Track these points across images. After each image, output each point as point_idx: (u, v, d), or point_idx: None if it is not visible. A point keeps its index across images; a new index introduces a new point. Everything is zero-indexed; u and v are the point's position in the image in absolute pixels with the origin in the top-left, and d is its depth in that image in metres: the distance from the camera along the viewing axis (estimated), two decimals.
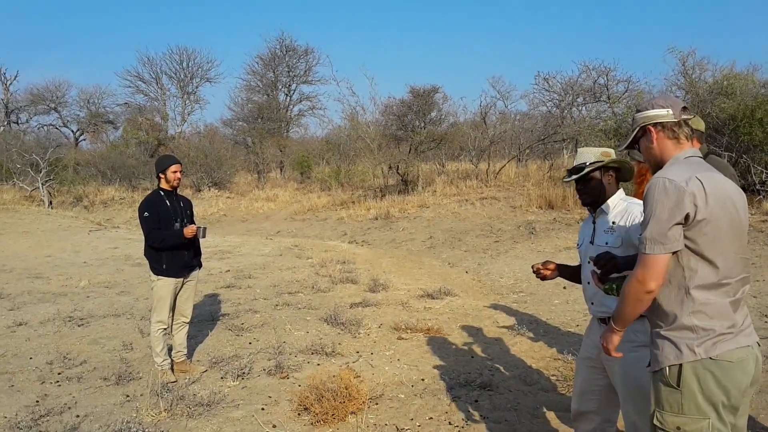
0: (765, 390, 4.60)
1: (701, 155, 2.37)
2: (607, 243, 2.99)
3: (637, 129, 2.44)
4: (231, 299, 8.00)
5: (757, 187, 12.92)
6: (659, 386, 2.23)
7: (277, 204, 22.08)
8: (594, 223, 3.13)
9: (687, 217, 2.12)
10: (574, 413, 3.24)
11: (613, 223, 2.99)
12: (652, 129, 2.37)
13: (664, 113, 2.35)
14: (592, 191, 3.09)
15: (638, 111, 2.45)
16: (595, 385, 3.11)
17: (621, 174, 3.11)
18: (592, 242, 3.10)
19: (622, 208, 3.02)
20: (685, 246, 2.15)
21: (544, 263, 3.34)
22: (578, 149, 3.18)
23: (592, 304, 3.12)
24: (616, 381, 2.98)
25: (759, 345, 2.24)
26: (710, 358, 2.13)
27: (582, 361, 3.21)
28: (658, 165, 2.39)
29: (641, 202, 2.81)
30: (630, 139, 2.49)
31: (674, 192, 2.12)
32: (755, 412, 4.24)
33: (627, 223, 2.94)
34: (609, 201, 3.06)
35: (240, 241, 13.81)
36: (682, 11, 77.06)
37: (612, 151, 3.06)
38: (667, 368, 2.19)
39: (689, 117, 2.37)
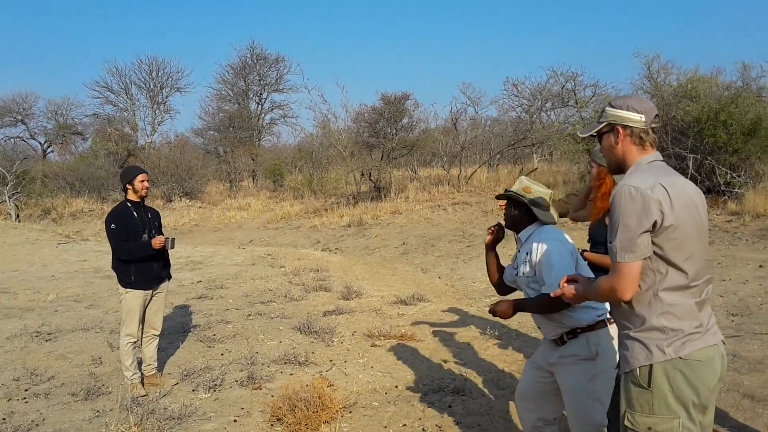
0: (733, 388, 4.69)
1: (662, 159, 2.40)
2: (524, 273, 3.18)
3: (604, 123, 2.40)
4: (203, 310, 7.92)
5: (722, 188, 13.20)
6: (629, 387, 2.25)
7: (249, 213, 21.96)
8: (518, 251, 3.30)
9: (654, 224, 2.13)
10: (519, 415, 3.37)
11: (527, 254, 3.15)
12: (621, 130, 2.34)
13: (636, 118, 2.32)
14: (507, 217, 3.31)
15: (611, 105, 2.39)
16: (539, 383, 3.23)
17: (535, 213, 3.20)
18: (515, 270, 3.28)
19: (531, 242, 3.16)
20: (654, 252, 2.17)
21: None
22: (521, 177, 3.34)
23: (540, 327, 3.24)
24: (563, 393, 3.10)
25: (724, 343, 2.29)
26: (680, 357, 2.16)
27: (530, 363, 3.34)
28: (617, 165, 2.40)
29: (551, 236, 3.09)
30: (594, 130, 2.45)
31: (640, 200, 2.13)
32: (725, 409, 4.32)
33: (530, 255, 3.11)
34: (520, 234, 3.26)
35: (212, 251, 13.69)
36: (646, 16, 78.50)
37: (534, 189, 3.20)
38: (638, 369, 2.21)
39: (657, 125, 2.37)
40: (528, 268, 3.13)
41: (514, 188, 3.24)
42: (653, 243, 2.16)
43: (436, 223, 15.23)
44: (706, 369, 2.19)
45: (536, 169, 21.29)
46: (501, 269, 3.52)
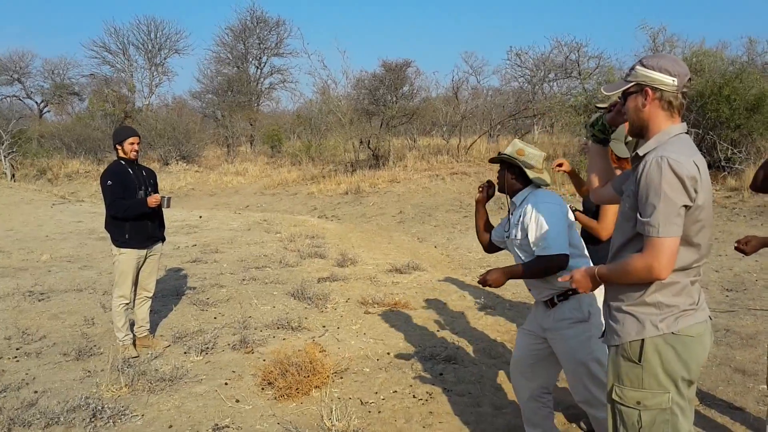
0: (725, 362, 4.69)
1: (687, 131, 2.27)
2: (516, 236, 3.16)
3: (633, 83, 2.22)
4: (197, 274, 7.90)
5: (723, 164, 13.13)
6: (619, 361, 2.22)
7: (246, 178, 21.84)
8: (510, 214, 3.29)
9: (690, 199, 2.05)
10: (513, 383, 3.37)
11: (520, 217, 3.14)
12: (650, 92, 2.17)
13: (669, 81, 2.15)
14: (499, 180, 3.29)
15: (642, 64, 2.20)
16: (533, 350, 3.23)
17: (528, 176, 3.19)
18: (507, 234, 3.27)
19: (525, 205, 3.14)
20: None
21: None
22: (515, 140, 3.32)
23: (531, 290, 3.23)
24: (561, 361, 3.10)
25: (711, 319, 2.25)
26: (672, 333, 2.13)
27: (523, 330, 3.33)
28: (639, 128, 2.25)
29: (546, 198, 3.09)
30: (621, 89, 2.29)
31: (683, 173, 2.02)
32: (713, 385, 4.32)
33: (523, 218, 3.11)
34: (515, 198, 3.24)
35: (208, 215, 13.64)
36: None
37: (527, 152, 3.18)
38: (628, 343, 2.18)
39: (688, 89, 2.22)
40: (520, 232, 3.13)
41: (508, 151, 3.23)
42: None
43: (433, 192, 15.16)
44: (697, 345, 2.16)
45: (528, 133, 21.13)
46: (490, 227, 3.52)
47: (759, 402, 4.00)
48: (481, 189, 3.46)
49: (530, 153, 3.19)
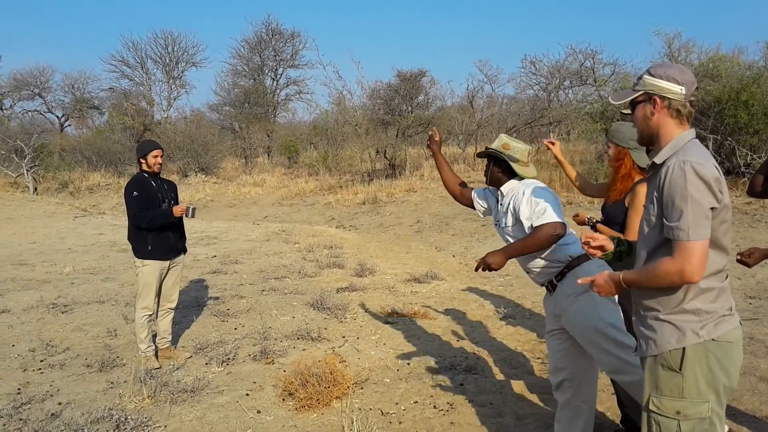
0: (749, 371, 4.63)
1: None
2: (507, 224, 3.28)
3: (641, 92, 2.25)
4: (217, 285, 7.96)
5: (742, 170, 12.99)
6: (657, 370, 2.19)
7: (264, 189, 21.97)
8: (499, 204, 3.40)
9: (717, 201, 2.07)
10: (553, 386, 3.39)
11: (509, 203, 3.26)
12: (658, 101, 2.21)
13: (676, 90, 2.19)
14: (486, 172, 3.43)
15: (650, 74, 2.24)
16: (563, 350, 3.28)
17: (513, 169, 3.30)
18: (497, 223, 3.40)
19: (514, 192, 3.27)
20: None
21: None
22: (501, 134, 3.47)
23: (529, 274, 3.32)
24: (578, 338, 3.14)
25: (741, 324, 2.24)
26: (713, 339, 2.11)
27: (548, 334, 3.39)
28: (649, 137, 2.28)
29: (533, 183, 3.20)
30: (629, 98, 2.31)
31: (708, 176, 2.04)
32: (738, 394, 4.27)
33: (513, 202, 3.22)
34: (502, 188, 3.35)
35: (227, 226, 13.74)
36: None
37: (513, 146, 3.29)
38: (668, 352, 2.15)
39: (695, 98, 2.26)
40: (510, 218, 3.23)
41: (494, 145, 3.34)
42: None
43: (450, 201, 15.12)
44: (735, 350, 2.16)
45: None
46: (457, 177, 3.80)
47: None
48: (429, 142, 3.79)
49: (515, 147, 3.29)
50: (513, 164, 3.24)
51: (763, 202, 11.17)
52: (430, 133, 3.81)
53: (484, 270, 3.12)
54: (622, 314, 3.13)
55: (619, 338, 2.98)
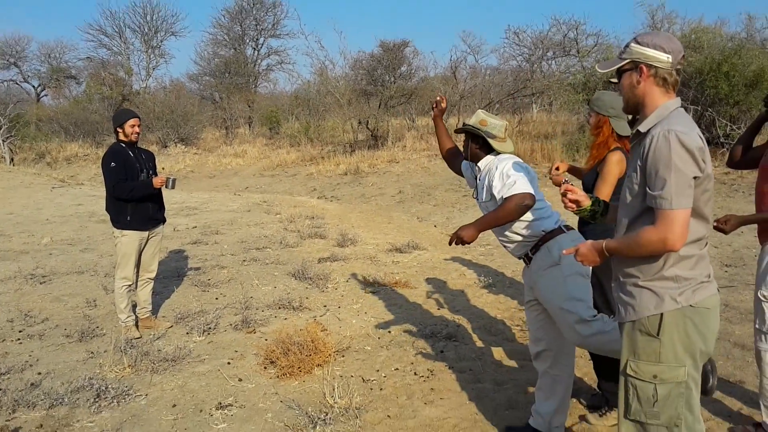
0: (724, 337, 4.72)
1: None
2: (483, 199, 3.31)
3: (627, 60, 2.24)
4: (197, 255, 7.92)
5: (722, 140, 13.11)
6: (635, 336, 2.21)
7: (245, 160, 21.81)
8: (477, 180, 3.42)
9: (700, 170, 2.08)
10: (532, 355, 3.45)
11: (486, 178, 3.29)
12: (645, 69, 2.20)
13: (663, 58, 2.18)
14: (464, 148, 3.45)
15: (636, 42, 2.22)
16: (540, 321, 3.33)
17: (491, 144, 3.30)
18: (476, 197, 3.43)
19: (489, 166, 3.28)
20: None
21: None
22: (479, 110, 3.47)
23: (507, 247, 3.34)
24: (548, 308, 3.20)
25: (719, 291, 2.27)
26: (691, 305, 2.14)
27: (526, 305, 3.44)
28: (634, 105, 2.28)
29: (508, 158, 3.20)
30: (615, 66, 2.30)
31: (692, 144, 2.05)
32: (715, 358, 4.32)
33: (488, 177, 3.25)
34: (479, 163, 3.35)
35: (207, 197, 13.64)
36: None
37: (490, 122, 3.28)
38: (646, 318, 2.18)
39: (682, 66, 2.24)
40: (485, 193, 3.26)
41: (471, 121, 3.34)
42: None
43: (432, 172, 15.15)
44: (712, 316, 2.19)
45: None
46: (453, 144, 3.88)
47: (758, 376, 4.02)
48: (434, 106, 3.81)
49: (492, 123, 3.28)
50: (490, 140, 3.25)
51: (740, 173, 11.30)
52: (437, 98, 3.82)
53: (457, 244, 3.12)
54: (591, 288, 3.16)
55: (582, 314, 3.02)
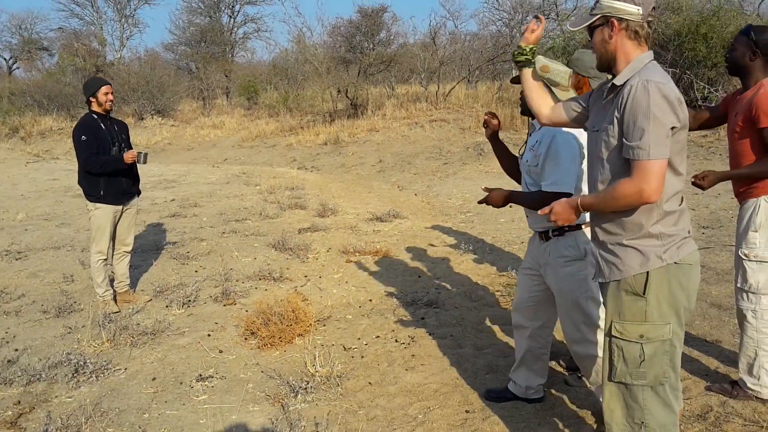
0: (701, 297, 4.77)
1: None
2: (527, 161, 3.06)
3: (598, 16, 2.21)
4: (176, 228, 7.83)
5: (699, 103, 13.14)
6: (620, 295, 2.21)
7: (223, 131, 21.50)
8: (529, 135, 3.17)
9: (678, 120, 2.07)
10: (514, 324, 3.40)
11: (537, 142, 3.01)
12: (616, 23, 2.17)
13: (634, 11, 2.15)
14: (521, 101, 3.10)
15: None
16: (534, 292, 3.23)
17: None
18: (522, 154, 3.19)
19: (545, 131, 2.98)
20: None
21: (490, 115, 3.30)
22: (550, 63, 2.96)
23: (528, 217, 3.18)
24: (557, 297, 3.08)
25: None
26: (675, 262, 2.15)
27: (522, 270, 3.32)
28: (607, 61, 2.25)
29: (561, 129, 2.85)
30: (586, 23, 2.26)
31: (670, 94, 2.04)
32: (689, 319, 4.38)
33: (539, 146, 2.97)
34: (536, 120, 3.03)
35: (185, 169, 13.47)
36: None
37: (552, 68, 2.90)
38: (632, 277, 2.18)
39: (653, 18, 2.23)
40: (532, 158, 3.00)
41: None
42: None
43: (413, 140, 15.06)
44: (694, 272, 2.20)
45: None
46: (512, 156, 3.38)
47: (734, 335, 4.09)
48: (485, 125, 3.30)
49: (555, 69, 2.90)
50: (554, 89, 2.88)
51: (718, 134, 11.38)
52: (486, 117, 3.29)
53: (483, 203, 3.07)
54: None
55: (592, 314, 2.94)
